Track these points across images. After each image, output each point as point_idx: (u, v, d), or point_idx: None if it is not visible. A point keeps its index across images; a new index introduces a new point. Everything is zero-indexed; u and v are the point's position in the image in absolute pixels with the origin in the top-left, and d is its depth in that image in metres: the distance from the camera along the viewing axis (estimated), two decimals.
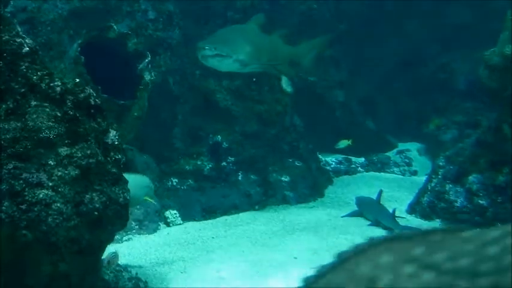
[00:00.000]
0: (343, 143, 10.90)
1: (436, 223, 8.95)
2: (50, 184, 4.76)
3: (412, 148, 12.44)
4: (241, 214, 9.34)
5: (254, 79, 10.62)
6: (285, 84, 10.15)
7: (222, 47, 7.83)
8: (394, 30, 12.87)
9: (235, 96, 10.30)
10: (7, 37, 5.03)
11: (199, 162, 9.78)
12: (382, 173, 11.57)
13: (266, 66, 8.96)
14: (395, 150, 12.40)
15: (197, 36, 10.04)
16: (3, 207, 4.66)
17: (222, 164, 9.87)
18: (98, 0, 9.09)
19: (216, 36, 8.23)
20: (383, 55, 12.94)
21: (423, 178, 10.24)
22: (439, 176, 9.22)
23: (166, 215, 8.83)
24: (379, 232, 8.31)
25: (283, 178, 10.06)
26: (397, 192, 10.21)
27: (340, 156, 11.69)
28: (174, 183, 9.54)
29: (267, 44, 8.77)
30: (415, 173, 11.68)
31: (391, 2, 12.76)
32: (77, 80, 5.23)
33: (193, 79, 10.23)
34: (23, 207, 4.69)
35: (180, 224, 8.81)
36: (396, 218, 8.49)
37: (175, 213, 8.91)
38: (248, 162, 10.01)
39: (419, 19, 12.79)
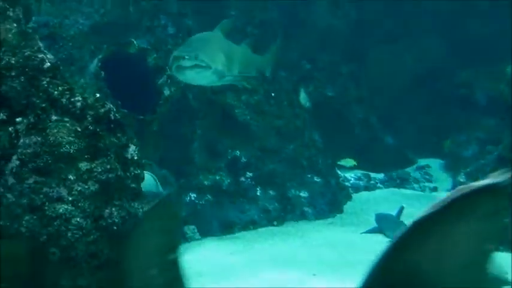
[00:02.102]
0: (349, 162, 10.81)
1: None
2: (70, 199, 4.76)
3: (432, 164, 12.31)
4: (259, 230, 9.29)
5: (273, 94, 10.62)
6: (304, 99, 10.13)
7: (203, 56, 6.93)
8: (413, 45, 12.82)
9: (254, 111, 10.29)
10: (29, 52, 5.07)
11: (217, 177, 9.76)
12: (401, 189, 11.46)
13: (240, 78, 8.19)
14: (415, 166, 12.29)
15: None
16: (23, 221, 4.67)
17: (241, 179, 9.84)
18: (118, 16, 9.17)
19: (191, 45, 7.26)
20: (402, 71, 12.88)
21: (443, 194, 10.08)
22: None
23: (185, 230, 8.80)
24: None
25: (301, 194, 10.01)
26: (417, 208, 10.07)
27: (359, 172, 11.61)
28: (193, 198, 9.53)
29: (238, 53, 7.97)
30: (435, 189, 11.56)
31: (410, 18, 12.71)
32: (98, 95, 5.24)
33: (212, 94, 10.25)
34: (43, 221, 4.70)
35: (198, 239, 8.78)
36: None
37: (193, 229, 8.89)
38: (267, 177, 9.97)
39: (439, 35, 12.72)
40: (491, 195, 2.23)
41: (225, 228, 9.24)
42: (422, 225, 2.30)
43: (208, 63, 6.95)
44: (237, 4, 10.72)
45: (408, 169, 12.12)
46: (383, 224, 9.00)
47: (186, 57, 6.83)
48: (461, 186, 2.31)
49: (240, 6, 10.77)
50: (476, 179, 8.11)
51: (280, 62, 9.81)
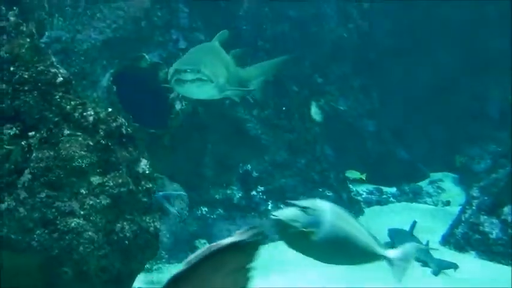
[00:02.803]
0: (354, 174, 10.73)
1: (471, 255, 8.73)
2: (82, 213, 4.77)
3: (445, 178, 12.22)
4: (271, 244, 9.22)
5: (284, 108, 10.61)
6: (315, 113, 10.11)
7: (204, 69, 6.60)
8: (425, 58, 12.78)
9: (265, 125, 10.29)
10: (42, 67, 5.11)
11: (228, 191, 9.74)
12: (414, 204, 11.37)
13: (239, 92, 7.88)
14: (427, 180, 12.20)
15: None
16: (35, 235, 4.68)
17: (252, 193, 9.82)
18: (130, 31, 9.22)
19: (192, 58, 6.93)
20: (414, 83, 12.83)
21: (457, 209, 10.03)
22: (473, 207, 9.04)
23: (196, 245, 8.77)
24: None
25: None
26: (430, 223, 10.01)
27: (371, 186, 11.55)
28: (204, 212, 9.51)
29: (232, 66, 7.62)
30: (448, 203, 11.46)
31: (422, 30, 12.69)
32: (110, 109, 5.27)
33: (223, 108, 10.25)
34: (55, 235, 4.70)
35: None
36: (430, 250, 8.30)
37: (204, 243, 8.85)
38: (278, 191, 9.94)
39: (451, 47, 12.68)
40: (236, 252, 2.58)
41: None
42: (177, 282, 2.47)
43: (210, 77, 6.68)
44: (248, 18, 10.76)
45: (421, 183, 12.04)
46: (396, 238, 8.91)
47: (188, 70, 6.55)
48: (213, 244, 2.58)
49: (251, 19, 10.80)
50: (489, 194, 8.05)
51: (269, 79, 9.60)
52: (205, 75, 6.60)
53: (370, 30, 12.55)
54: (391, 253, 4.41)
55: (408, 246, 4.53)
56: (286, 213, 4.08)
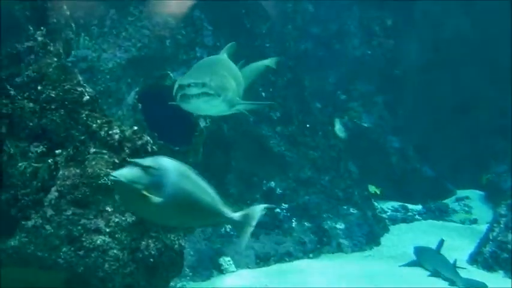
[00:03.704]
0: (370, 188, 10.64)
1: (499, 275, 8.56)
2: (107, 230, 4.80)
3: (472, 195, 12.06)
4: (295, 262, 9.17)
5: (308, 125, 10.60)
6: (339, 130, 10.07)
7: (210, 83, 6.08)
8: (450, 75, 12.69)
9: (289, 142, 10.27)
10: (69, 86, 5.18)
11: None
12: (440, 221, 11.22)
13: (252, 106, 7.30)
14: (454, 198, 12.04)
15: (250, 82, 10.11)
16: (61, 253, 4.70)
17: (276, 210, 9.78)
18: (155, 49, 9.31)
19: (197, 71, 6.44)
20: (439, 99, 12.73)
21: (484, 227, 9.87)
22: (501, 225, 8.88)
23: (220, 262, 8.74)
24: (439, 283, 8.00)
25: (337, 226, 9.88)
26: (457, 241, 9.86)
27: (396, 204, 11.43)
28: (228, 230, 9.47)
29: (240, 79, 7.01)
30: (475, 221, 11.29)
31: (445, 46, 12.62)
32: (135, 127, 5.31)
33: (247, 125, 10.27)
34: (81, 253, 4.72)
35: (233, 271, 8.70)
36: (457, 269, 8.16)
37: (228, 260, 8.82)
38: (302, 208, 9.89)
39: (477, 63, 12.58)
40: None
41: (261, 260, 9.15)
42: None
43: (216, 90, 6.10)
44: (272, 35, 10.80)
45: (447, 200, 11.89)
46: (422, 257, 8.80)
47: (192, 84, 5.96)
48: None
49: (275, 37, 10.84)
50: None
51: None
52: (212, 88, 6.03)
53: (394, 47, 12.51)
54: (236, 215, 4.12)
55: (253, 209, 4.22)
56: (125, 173, 3.68)
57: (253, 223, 4.19)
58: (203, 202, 3.98)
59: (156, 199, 3.67)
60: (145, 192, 3.64)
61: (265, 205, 4.41)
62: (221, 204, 4.10)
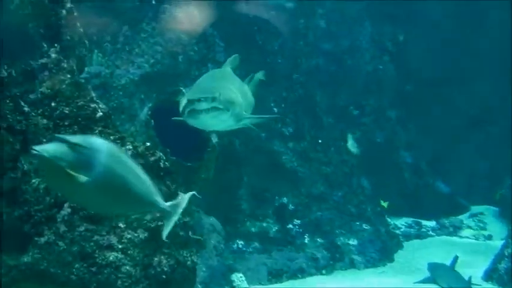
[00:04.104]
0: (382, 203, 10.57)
1: None
2: (120, 247, 4.79)
3: (486, 211, 11.94)
4: (308, 278, 9.11)
5: (320, 140, 10.58)
6: (352, 145, 10.04)
7: (220, 98, 5.84)
8: (462, 89, 12.64)
9: (302, 158, 10.26)
10: (82, 103, 5.21)
11: (265, 224, 9.69)
12: (454, 237, 11.11)
13: (259, 120, 7.02)
14: (468, 214, 11.93)
15: (263, 98, 10.13)
16: (74, 269, 4.70)
17: (288, 226, 9.75)
18: (168, 65, 9.36)
19: (205, 86, 6.18)
20: (452, 114, 12.68)
21: (499, 243, 9.76)
22: None
23: (232, 278, 8.70)
24: None
25: (350, 242, 9.82)
26: (472, 257, 9.75)
27: (410, 220, 11.35)
28: (240, 246, 9.46)
29: (248, 92, 6.85)
30: (489, 237, 11.17)
31: (458, 61, 12.58)
32: (148, 143, 5.32)
33: (259, 141, 10.27)
34: (93, 269, 4.72)
35: (245, 287, 8.66)
36: (472, 286, 8.07)
37: (241, 277, 8.78)
38: (314, 224, 9.85)
39: (489, 77, 12.52)
40: None
41: (273, 276, 9.10)
42: None
43: (226, 105, 5.90)
44: (283, 52, 10.83)
45: (461, 216, 11.78)
46: (436, 273, 8.71)
47: (202, 99, 5.73)
48: None
49: (287, 53, 10.87)
50: None
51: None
52: (221, 103, 5.81)
53: (405, 62, 12.49)
54: (167, 205, 3.81)
55: (181, 198, 3.94)
56: (49, 148, 3.35)
57: (180, 211, 4.00)
58: (135, 188, 3.63)
59: (82, 178, 3.35)
60: (70, 171, 3.32)
61: (192, 192, 4.18)
62: (155, 193, 3.77)
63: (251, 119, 6.61)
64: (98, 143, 3.49)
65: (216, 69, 7.08)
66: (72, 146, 3.37)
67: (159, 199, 3.77)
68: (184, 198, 3.97)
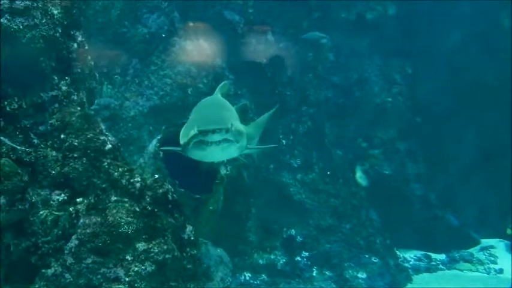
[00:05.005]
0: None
1: None
2: (127, 279, 4.77)
3: (497, 244, 11.81)
4: None
5: (328, 172, 10.56)
6: (360, 177, 10.02)
7: (232, 129, 5.46)
8: (472, 121, 12.61)
9: (310, 190, 10.24)
10: (91, 135, 5.24)
11: (272, 257, 9.63)
12: (465, 271, 10.98)
13: (256, 150, 6.68)
14: (478, 247, 11.80)
15: (271, 130, 10.17)
16: None
17: (296, 258, 9.68)
18: (177, 98, 9.42)
19: (212, 115, 5.70)
20: (462, 146, 12.63)
21: (510, 276, 9.63)
22: None
23: None
24: None
25: (359, 275, 9.73)
26: None
27: (419, 253, 11.23)
28: (247, 278, 9.39)
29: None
30: (500, 271, 11.02)
31: (468, 93, 12.59)
32: (156, 175, 5.33)
33: (267, 172, 10.27)
34: None
35: None
36: None
37: None
38: (323, 257, 9.77)
39: (499, 109, 12.50)
40: None
41: None
42: None
43: (236, 137, 5.54)
44: (292, 84, 10.90)
45: (471, 250, 11.65)
46: None
47: (216, 131, 5.31)
48: None
49: (295, 85, 10.94)
50: None
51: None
52: (233, 135, 5.44)
53: (414, 95, 12.52)
54: None
55: None
56: None
57: None
58: None
59: None
60: None
61: None
62: None
63: (251, 150, 6.34)
64: None
65: (211, 97, 6.56)
66: None
67: None
68: None
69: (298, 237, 9.86)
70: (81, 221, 4.88)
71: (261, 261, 9.54)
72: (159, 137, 7.97)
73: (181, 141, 5.54)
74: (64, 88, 5.51)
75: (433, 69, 12.59)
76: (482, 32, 12.30)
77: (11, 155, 4.83)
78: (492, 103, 12.48)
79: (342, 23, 11.96)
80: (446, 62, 12.66)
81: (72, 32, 5.75)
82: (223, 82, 6.80)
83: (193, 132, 5.33)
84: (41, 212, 4.86)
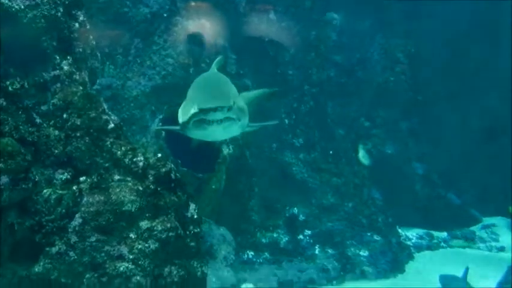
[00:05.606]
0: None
1: None
2: (131, 257, 4.82)
3: (498, 222, 11.86)
4: None
5: (331, 151, 10.58)
6: (363, 156, 10.04)
7: (234, 106, 5.12)
8: (474, 100, 12.59)
9: (312, 169, 10.26)
10: (94, 114, 5.26)
11: (275, 235, 9.69)
12: (466, 249, 11.04)
13: (257, 127, 6.25)
14: (480, 225, 11.86)
15: (272, 109, 10.17)
16: (85, 279, 4.73)
17: (299, 237, 9.73)
18: (179, 77, 9.41)
19: (213, 92, 5.22)
20: (464, 126, 12.63)
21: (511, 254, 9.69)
22: None
23: None
24: None
25: (361, 253, 9.79)
26: (484, 269, 9.66)
27: (421, 231, 11.28)
28: (250, 256, 9.45)
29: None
30: (502, 249, 11.09)
31: (471, 73, 12.56)
32: (159, 154, 5.35)
33: (270, 152, 10.29)
34: (104, 279, 4.75)
35: None
36: None
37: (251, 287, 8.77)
38: (325, 235, 9.83)
39: (502, 89, 12.47)
40: None
41: (283, 287, 9.07)
42: None
43: (238, 115, 5.21)
44: (295, 63, 10.87)
45: (473, 228, 11.70)
46: (448, 285, 8.64)
47: (218, 109, 4.97)
48: None
49: (298, 64, 10.91)
50: None
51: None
52: (235, 113, 5.13)
53: (417, 74, 12.48)
54: None
55: None
56: None
57: None
58: None
59: None
60: None
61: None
62: None
63: (252, 128, 5.96)
64: None
65: (209, 73, 6.18)
66: None
67: None
68: None
69: (301, 216, 9.90)
70: (85, 199, 4.92)
71: (263, 240, 9.60)
72: (161, 117, 7.99)
73: (181, 120, 5.26)
74: (66, 68, 5.51)
75: (436, 48, 12.55)
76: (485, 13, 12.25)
77: (14, 135, 4.85)
78: (494, 82, 12.45)
79: (344, 1, 11.90)
80: (448, 41, 12.61)
81: (73, 12, 5.73)
82: (219, 56, 6.51)
83: (193, 110, 5.03)
84: (45, 191, 4.90)
